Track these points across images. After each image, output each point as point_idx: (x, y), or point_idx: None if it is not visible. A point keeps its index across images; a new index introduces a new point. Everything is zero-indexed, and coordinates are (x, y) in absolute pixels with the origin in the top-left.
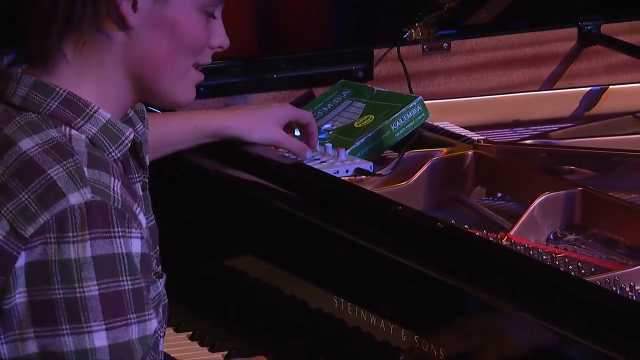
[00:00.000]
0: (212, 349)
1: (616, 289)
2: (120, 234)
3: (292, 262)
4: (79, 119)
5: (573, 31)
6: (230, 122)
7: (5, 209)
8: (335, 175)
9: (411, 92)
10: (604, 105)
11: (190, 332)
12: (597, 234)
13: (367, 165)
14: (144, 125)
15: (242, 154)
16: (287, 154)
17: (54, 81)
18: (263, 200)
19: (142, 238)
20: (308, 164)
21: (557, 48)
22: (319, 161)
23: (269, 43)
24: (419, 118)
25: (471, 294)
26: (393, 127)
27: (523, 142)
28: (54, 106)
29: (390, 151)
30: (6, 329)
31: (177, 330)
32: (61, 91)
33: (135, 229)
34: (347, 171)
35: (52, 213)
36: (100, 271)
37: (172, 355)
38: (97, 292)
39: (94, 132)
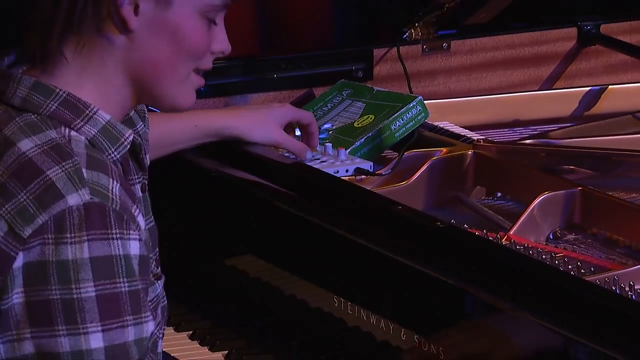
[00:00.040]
0: (213, 349)
1: (616, 289)
2: (117, 235)
3: (292, 262)
4: (79, 120)
5: (572, 31)
6: (231, 121)
7: (3, 209)
8: (335, 175)
9: (411, 92)
10: (603, 105)
11: (191, 332)
12: (596, 233)
13: (367, 165)
14: (144, 125)
15: (243, 154)
16: (287, 154)
17: (55, 82)
18: (263, 199)
19: (140, 240)
20: (308, 163)
21: (557, 48)
22: (319, 161)
23: (269, 43)
24: (418, 118)
25: (471, 293)
26: (393, 127)
27: (523, 141)
28: (54, 107)
29: (390, 151)
30: (3, 329)
31: (177, 330)
32: (61, 92)
33: (134, 230)
34: (347, 171)
35: (51, 214)
36: (97, 272)
37: (172, 355)
38: (93, 294)
39: (94, 133)
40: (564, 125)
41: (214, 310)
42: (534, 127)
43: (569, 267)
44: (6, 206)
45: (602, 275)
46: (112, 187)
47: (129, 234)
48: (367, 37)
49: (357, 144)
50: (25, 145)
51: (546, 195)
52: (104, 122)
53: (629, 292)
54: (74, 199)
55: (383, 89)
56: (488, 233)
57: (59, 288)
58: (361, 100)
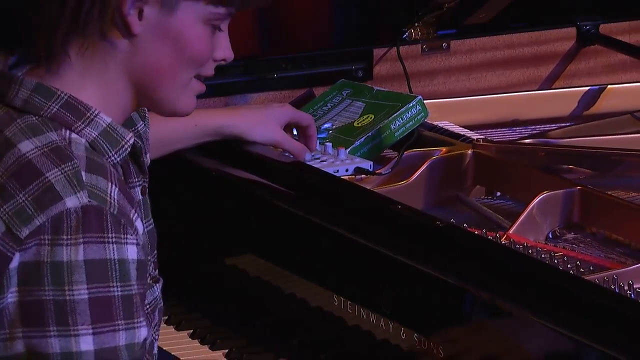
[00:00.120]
0: (213, 348)
1: (615, 288)
2: (114, 239)
3: (292, 261)
4: (80, 123)
5: (572, 31)
6: (231, 120)
7: (2, 210)
8: (335, 174)
9: (411, 91)
10: (602, 105)
11: (191, 331)
12: (595, 232)
13: (367, 165)
14: (144, 124)
15: (243, 153)
16: (287, 153)
17: (57, 83)
18: (263, 199)
19: (137, 244)
20: (308, 163)
21: (556, 48)
22: (319, 160)
23: (269, 43)
24: (418, 117)
25: (470, 292)
26: (393, 127)
27: (522, 141)
28: (55, 109)
29: (389, 150)
30: None
31: (177, 329)
32: (62, 94)
33: (131, 235)
34: (347, 170)
35: (48, 215)
36: (91, 275)
37: (173, 354)
38: (86, 296)
39: (94, 136)
40: (563, 124)
41: (215, 310)
42: (533, 127)
43: (568, 266)
44: (4, 207)
45: (601, 274)
46: (111, 191)
47: (126, 238)
48: (367, 37)
49: (357, 143)
50: (26, 146)
51: (545, 194)
52: (104, 125)
53: (628, 291)
54: (72, 202)
55: (383, 89)
56: (487, 232)
57: (52, 289)
58: (361, 100)
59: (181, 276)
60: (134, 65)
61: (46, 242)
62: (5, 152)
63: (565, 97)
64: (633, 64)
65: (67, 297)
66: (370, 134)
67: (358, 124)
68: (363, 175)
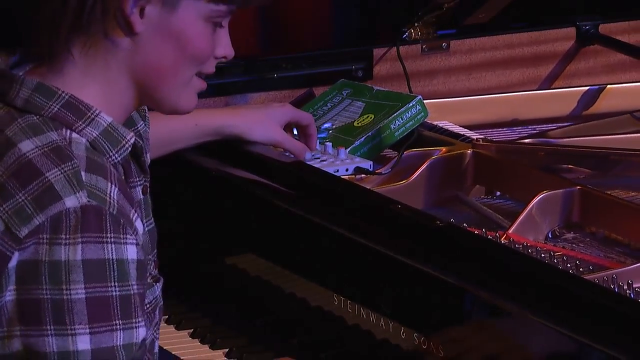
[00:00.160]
0: (213, 347)
1: (614, 287)
2: (112, 239)
3: (292, 260)
4: (80, 122)
5: (571, 31)
6: (231, 120)
7: (1, 209)
8: (335, 174)
9: (410, 91)
10: (602, 105)
11: (191, 330)
12: (595, 232)
13: (367, 164)
14: (145, 124)
15: (243, 153)
16: (287, 153)
17: (59, 82)
18: (263, 198)
19: (137, 244)
20: (308, 162)
21: (556, 48)
22: (319, 160)
23: (269, 42)
24: (418, 117)
25: (470, 292)
26: (392, 126)
27: (522, 141)
28: (56, 109)
29: (389, 150)
30: None
31: (178, 328)
32: (63, 94)
33: (130, 235)
34: (347, 170)
35: (48, 215)
36: (88, 275)
37: (173, 353)
38: (83, 296)
39: (95, 135)
40: (562, 124)
41: (215, 309)
42: (532, 127)
43: (568, 265)
44: (4, 206)
45: (600, 273)
46: (110, 191)
47: (125, 238)
48: (366, 37)
49: (357, 143)
50: (26, 146)
51: (545, 194)
52: (105, 125)
53: (627, 291)
54: (71, 201)
55: (383, 89)
56: (487, 232)
57: (49, 288)
58: (361, 100)
59: (181, 276)
60: (136, 63)
61: (45, 241)
62: (5, 151)
63: (564, 97)
64: (632, 64)
65: (65, 297)
66: (370, 133)
67: (358, 123)
68: (363, 175)
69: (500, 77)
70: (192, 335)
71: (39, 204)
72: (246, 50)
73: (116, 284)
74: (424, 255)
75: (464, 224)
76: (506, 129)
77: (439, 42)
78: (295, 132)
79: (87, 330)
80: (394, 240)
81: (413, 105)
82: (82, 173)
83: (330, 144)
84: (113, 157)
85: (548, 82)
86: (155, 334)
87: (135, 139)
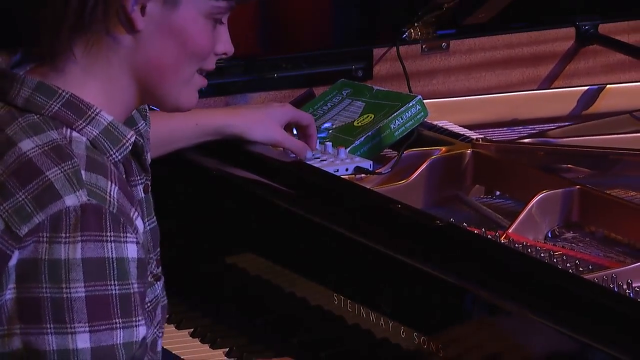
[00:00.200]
0: (213, 346)
1: (613, 287)
2: (112, 238)
3: (292, 260)
4: (81, 121)
5: (571, 31)
6: (231, 120)
7: (1, 208)
8: (335, 173)
9: (410, 91)
10: (601, 104)
11: (192, 329)
12: (594, 231)
13: (367, 164)
14: (146, 123)
15: (243, 153)
16: (287, 153)
17: (60, 80)
18: (263, 198)
19: (137, 243)
20: (308, 162)
21: (555, 48)
22: (319, 160)
23: (269, 42)
24: (418, 117)
25: (470, 291)
26: (392, 126)
27: (521, 140)
28: (56, 108)
29: (389, 150)
30: None
31: (178, 328)
32: (64, 93)
33: (131, 234)
34: (347, 169)
35: (48, 214)
36: (88, 274)
37: (173, 352)
38: (83, 294)
39: (95, 134)
40: (562, 124)
41: (215, 308)
42: (532, 126)
43: (567, 265)
44: (4, 205)
45: (600, 273)
46: (110, 190)
47: (125, 237)
48: (366, 37)
49: (357, 142)
50: (26, 145)
51: (544, 193)
52: (106, 123)
53: (627, 290)
54: (71, 200)
55: (383, 88)
56: (487, 231)
57: (49, 286)
58: (361, 100)
59: (181, 275)
60: (138, 61)
61: (44, 239)
62: (6, 150)
63: (564, 96)
64: (632, 64)
65: (64, 295)
66: (370, 133)
67: (358, 123)
68: (363, 175)
69: (500, 77)
70: (192, 335)
71: (39, 203)
72: (246, 50)
73: (116, 282)
74: (423, 255)
75: (464, 224)
76: (506, 128)
77: (439, 42)
78: (295, 132)
79: (87, 329)
80: (394, 240)
81: (413, 105)
82: (82, 172)
83: (330, 143)
84: (114, 156)
85: (547, 82)
86: (158, 332)
87: (135, 137)
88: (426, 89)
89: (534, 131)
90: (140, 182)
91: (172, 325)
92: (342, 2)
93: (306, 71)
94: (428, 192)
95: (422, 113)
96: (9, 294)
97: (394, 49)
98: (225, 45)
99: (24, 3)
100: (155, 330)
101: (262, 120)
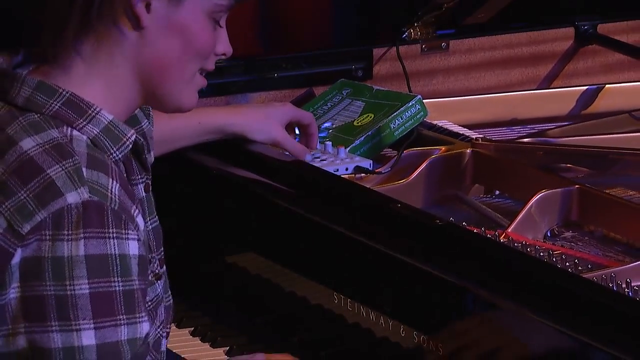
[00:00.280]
0: (214, 345)
1: (612, 286)
2: (115, 235)
3: (292, 259)
4: (81, 120)
5: (570, 31)
6: (233, 119)
7: (3, 206)
8: (335, 173)
9: (410, 91)
10: (600, 104)
11: (192, 328)
12: (593, 231)
13: (367, 163)
14: (149, 122)
15: (243, 152)
16: (287, 153)
17: (63, 79)
18: (264, 197)
19: (138, 240)
20: (308, 162)
21: (555, 47)
22: (319, 159)
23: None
24: (417, 117)
25: (469, 290)
26: (392, 126)
27: (521, 140)
28: (57, 107)
29: (389, 149)
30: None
31: (179, 327)
32: (64, 92)
33: (132, 230)
34: (346, 169)
35: (49, 211)
36: (91, 270)
37: (174, 351)
38: (87, 291)
39: (96, 132)
40: (561, 124)
41: (215, 307)
42: (531, 126)
43: (567, 264)
44: (6, 203)
45: (599, 272)
46: (112, 187)
47: (127, 233)
48: (366, 37)
49: (357, 142)
50: (27, 144)
51: (544, 193)
52: (106, 122)
53: (626, 289)
54: (73, 197)
55: (382, 88)
56: (486, 231)
57: (53, 284)
58: (361, 99)
59: (182, 274)
60: (141, 59)
61: (47, 237)
62: (7, 149)
63: (563, 96)
64: (631, 64)
65: (69, 292)
66: (369, 133)
67: (358, 123)
68: (363, 174)
69: (500, 77)
70: (193, 334)
71: (41, 201)
72: (246, 50)
73: (119, 279)
74: (423, 254)
75: (464, 223)
76: (505, 128)
77: (439, 42)
78: (297, 132)
79: (92, 326)
80: (394, 239)
81: (412, 104)
82: (83, 169)
83: (330, 143)
84: (114, 155)
85: (547, 82)
86: (162, 332)
87: (136, 136)
88: (426, 88)
89: (534, 131)
90: (140, 181)
91: (173, 324)
92: (342, 2)
93: (306, 71)
94: (428, 191)
95: (422, 113)
96: (13, 293)
97: (394, 48)
98: (224, 46)
99: (25, 3)
100: (158, 330)
101: (263, 120)
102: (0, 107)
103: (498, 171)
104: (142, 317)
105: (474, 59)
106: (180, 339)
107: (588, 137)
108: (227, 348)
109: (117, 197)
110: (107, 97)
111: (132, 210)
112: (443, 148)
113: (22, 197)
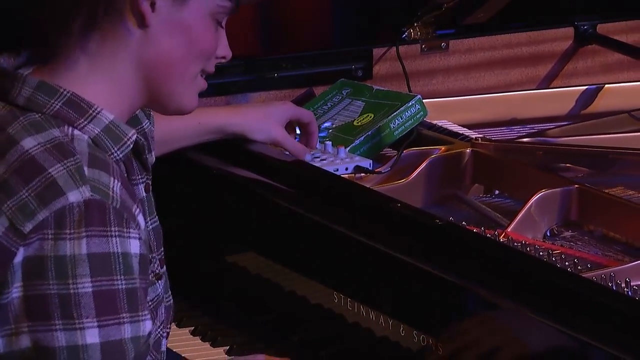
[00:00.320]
0: (214, 344)
1: (612, 285)
2: (117, 233)
3: (292, 259)
4: (82, 120)
5: (569, 31)
6: (233, 118)
7: (5, 205)
8: (335, 172)
9: (410, 90)
10: (600, 104)
11: (192, 328)
12: (593, 230)
13: (367, 163)
14: (150, 123)
15: (243, 152)
16: (287, 152)
17: (65, 79)
18: (264, 197)
19: (140, 239)
20: (308, 162)
21: (554, 47)
22: (319, 159)
23: (270, 42)
24: (417, 116)
25: (469, 289)
26: (392, 125)
27: (520, 140)
28: (58, 107)
29: (389, 149)
30: (2, 323)
31: (179, 326)
32: (65, 92)
33: (134, 229)
34: (346, 169)
35: (51, 210)
36: (94, 269)
37: (174, 350)
38: (90, 289)
39: (97, 132)
40: (561, 123)
41: (216, 307)
42: (531, 126)
43: (566, 263)
44: (8, 202)
45: (598, 271)
46: (113, 186)
47: (129, 232)
48: (366, 37)
49: (357, 142)
50: (28, 143)
51: (543, 192)
52: (107, 122)
53: (625, 289)
54: (74, 196)
55: (382, 88)
56: (486, 230)
57: (56, 283)
58: (361, 99)
59: (182, 274)
60: (145, 58)
61: (49, 236)
62: (8, 149)
63: (563, 96)
64: (630, 64)
65: (72, 291)
66: (369, 132)
67: (358, 122)
68: (363, 174)
69: (499, 77)
70: (193, 333)
71: (43, 200)
72: (247, 50)
73: (122, 277)
74: (423, 254)
75: (463, 223)
76: (505, 128)
77: (438, 42)
78: (297, 131)
79: (95, 324)
80: (394, 239)
81: (412, 104)
82: (85, 168)
83: (330, 143)
84: (115, 154)
85: (546, 82)
86: (162, 332)
87: (137, 136)
88: (426, 88)
89: (533, 130)
90: (141, 181)
91: (173, 323)
92: (342, 2)
93: (306, 71)
94: (427, 191)
95: (422, 112)
96: (16, 292)
97: (394, 48)
98: (224, 49)
99: (27, 3)
100: (159, 330)
101: (262, 119)
102: (1, 107)
103: (497, 171)
104: (145, 315)
105: (474, 59)
106: (181, 339)
107: (587, 136)
108: (228, 347)
109: (118, 195)
110: (109, 96)
111: (134, 209)
112: (443, 148)
113: (23, 196)
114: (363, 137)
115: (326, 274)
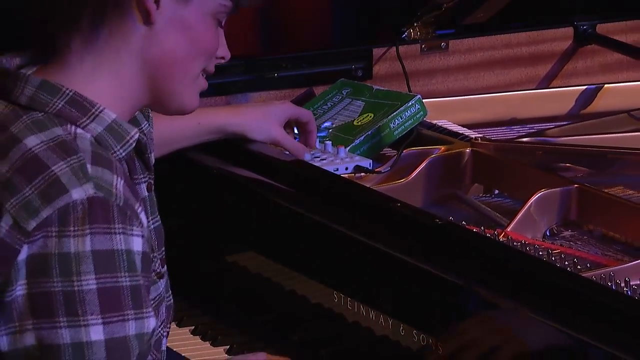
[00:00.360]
0: (214, 344)
1: (611, 285)
2: (120, 230)
3: (292, 258)
4: (85, 118)
5: (569, 31)
6: (232, 118)
7: (9, 203)
8: (335, 172)
9: (410, 90)
10: (599, 104)
11: (193, 327)
12: (592, 230)
13: (367, 163)
14: (149, 124)
15: (243, 152)
16: (286, 152)
17: (68, 78)
18: (264, 197)
19: (142, 237)
20: (308, 161)
21: (554, 47)
22: (319, 159)
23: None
24: (417, 116)
25: (468, 289)
26: (392, 125)
27: (520, 139)
28: (60, 105)
29: (389, 149)
30: (6, 320)
31: (179, 325)
32: (67, 91)
33: (136, 227)
34: (346, 168)
35: (55, 207)
36: (98, 266)
37: (174, 350)
38: (95, 286)
39: (99, 131)
40: (560, 123)
41: (216, 306)
42: (531, 126)
43: (566, 263)
44: (11, 200)
45: (598, 271)
46: (116, 184)
47: (132, 229)
48: (366, 37)
49: (357, 142)
50: (31, 141)
51: (543, 192)
52: (109, 121)
53: (625, 288)
54: (78, 193)
55: (382, 88)
56: (486, 230)
57: (60, 280)
58: (360, 99)
59: (182, 273)
60: (148, 56)
61: (53, 233)
62: (11, 147)
63: (562, 96)
64: (630, 64)
65: (76, 288)
66: (369, 132)
67: (358, 122)
68: (362, 174)
69: (499, 77)
70: (194, 333)
71: (46, 197)
72: (246, 50)
73: (126, 274)
74: (423, 253)
75: (463, 222)
76: (504, 127)
77: (438, 42)
78: (295, 130)
79: (100, 321)
80: (394, 238)
81: (412, 104)
82: (88, 166)
83: (330, 142)
84: (118, 153)
85: (546, 82)
86: (162, 332)
87: (139, 134)
88: (425, 88)
89: (533, 130)
90: (143, 180)
91: (174, 322)
92: (342, 2)
93: (306, 71)
94: (427, 190)
95: (422, 112)
96: (20, 289)
97: (394, 48)
98: (223, 50)
99: (28, 3)
100: (159, 329)
101: (261, 119)
102: (4, 106)
103: (497, 170)
104: (148, 312)
105: (474, 59)
106: (181, 338)
107: (587, 136)
108: (228, 347)
109: (121, 193)
110: (112, 95)
111: (137, 207)
112: (442, 147)
113: (27, 194)
114: (363, 136)
115: (326, 274)
